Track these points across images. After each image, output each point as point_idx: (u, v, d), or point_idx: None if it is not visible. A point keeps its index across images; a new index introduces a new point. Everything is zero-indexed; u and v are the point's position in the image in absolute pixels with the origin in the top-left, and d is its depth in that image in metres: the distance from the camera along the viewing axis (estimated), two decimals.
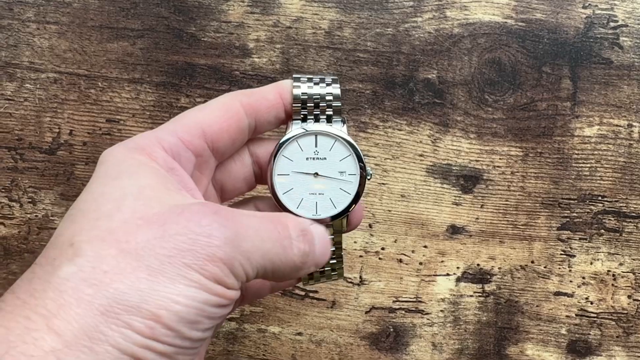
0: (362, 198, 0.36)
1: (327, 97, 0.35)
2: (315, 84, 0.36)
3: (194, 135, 0.32)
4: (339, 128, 0.36)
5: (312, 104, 0.35)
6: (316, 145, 0.35)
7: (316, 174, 0.35)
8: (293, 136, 0.35)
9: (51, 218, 0.52)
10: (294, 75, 0.36)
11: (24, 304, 0.25)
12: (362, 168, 0.35)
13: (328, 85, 0.36)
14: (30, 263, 0.51)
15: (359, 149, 0.36)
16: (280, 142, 0.35)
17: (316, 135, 0.35)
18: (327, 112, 0.35)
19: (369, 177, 0.36)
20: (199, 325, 0.27)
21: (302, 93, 0.35)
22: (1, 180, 0.52)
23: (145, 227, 0.27)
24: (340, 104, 0.36)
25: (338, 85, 0.36)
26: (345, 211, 0.35)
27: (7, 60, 0.52)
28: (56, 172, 0.52)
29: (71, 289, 0.25)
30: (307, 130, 0.35)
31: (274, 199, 0.35)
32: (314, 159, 0.35)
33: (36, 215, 0.52)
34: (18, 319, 0.25)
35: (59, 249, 0.27)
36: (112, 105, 0.52)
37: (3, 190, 0.52)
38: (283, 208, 0.35)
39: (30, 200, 0.52)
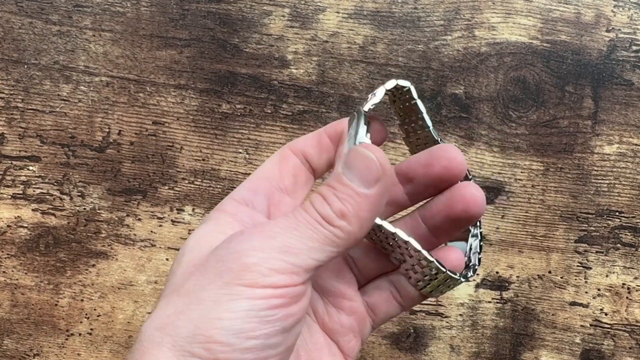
0: None
1: None
2: None
3: (259, 183, 0.35)
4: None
5: None
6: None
7: None
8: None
9: (98, 211, 0.56)
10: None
11: None
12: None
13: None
14: (77, 252, 0.55)
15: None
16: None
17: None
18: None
19: None
20: (254, 332, 0.28)
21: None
22: (54, 175, 0.56)
23: (194, 270, 0.30)
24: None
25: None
26: None
27: (64, 64, 0.56)
28: (104, 169, 0.56)
29: (147, 336, 0.29)
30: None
31: None
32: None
33: (84, 208, 0.56)
34: None
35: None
36: (159, 109, 0.56)
37: (55, 184, 0.56)
38: None
39: (79, 194, 0.56)
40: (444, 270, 0.33)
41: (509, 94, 0.55)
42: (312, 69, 0.56)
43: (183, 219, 0.56)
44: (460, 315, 0.55)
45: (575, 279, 0.55)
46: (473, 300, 0.55)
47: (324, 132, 0.37)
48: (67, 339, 0.56)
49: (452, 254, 0.35)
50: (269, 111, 0.56)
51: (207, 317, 0.28)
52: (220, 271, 0.29)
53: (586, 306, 0.55)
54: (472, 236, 0.36)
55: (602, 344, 0.55)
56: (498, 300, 0.55)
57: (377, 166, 0.30)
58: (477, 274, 0.55)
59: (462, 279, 0.34)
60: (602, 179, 0.55)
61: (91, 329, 0.56)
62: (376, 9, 0.55)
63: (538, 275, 0.55)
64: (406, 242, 0.33)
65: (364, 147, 0.31)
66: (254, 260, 0.28)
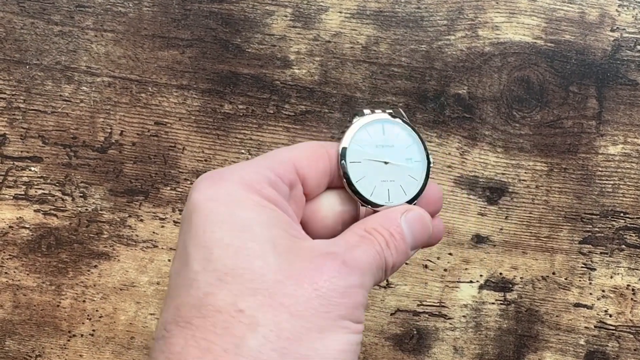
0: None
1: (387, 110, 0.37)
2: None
3: (288, 170, 0.34)
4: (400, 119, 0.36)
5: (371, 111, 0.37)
6: (384, 133, 0.36)
7: (386, 162, 0.35)
8: (362, 125, 0.35)
9: (100, 212, 0.56)
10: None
11: None
12: (427, 155, 0.36)
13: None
14: (79, 253, 0.55)
15: (422, 137, 0.36)
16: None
17: (383, 124, 0.36)
18: (387, 111, 0.37)
19: (431, 164, 0.36)
20: None
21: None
22: (56, 175, 0.56)
23: (298, 286, 0.29)
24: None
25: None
26: (415, 197, 0.35)
27: (66, 64, 0.56)
28: (106, 170, 0.56)
29: (256, 356, 0.28)
30: (374, 119, 0.36)
31: (348, 188, 0.35)
32: (382, 146, 0.35)
33: (86, 209, 0.56)
34: None
35: (225, 313, 0.28)
36: (161, 109, 0.56)
37: (57, 185, 0.56)
38: (358, 196, 0.35)
39: (81, 194, 0.56)
40: None
41: (512, 94, 0.55)
42: (315, 69, 0.55)
43: None
44: (463, 316, 0.55)
45: (580, 280, 0.55)
46: (476, 302, 0.55)
47: None
48: (69, 340, 0.56)
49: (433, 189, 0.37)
50: (272, 111, 0.55)
51: (331, 349, 0.29)
52: (336, 303, 0.30)
53: (590, 307, 0.55)
54: None
55: (607, 345, 0.55)
56: (502, 302, 0.55)
57: (428, 237, 0.35)
58: (481, 275, 0.55)
59: None
60: (607, 180, 0.55)
61: (93, 330, 0.56)
62: (379, 9, 0.55)
63: (542, 276, 0.55)
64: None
65: (425, 214, 0.35)
66: (361, 300, 0.31)
